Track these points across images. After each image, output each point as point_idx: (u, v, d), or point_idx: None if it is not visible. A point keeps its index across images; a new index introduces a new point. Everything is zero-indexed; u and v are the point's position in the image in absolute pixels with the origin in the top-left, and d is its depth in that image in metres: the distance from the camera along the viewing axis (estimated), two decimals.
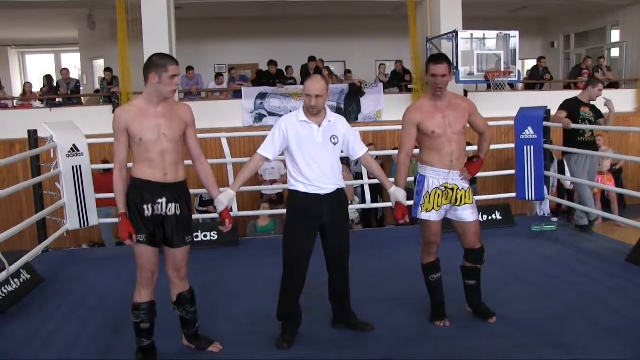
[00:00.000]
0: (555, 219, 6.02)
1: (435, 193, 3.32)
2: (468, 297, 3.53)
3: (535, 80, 12.08)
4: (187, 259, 3.10)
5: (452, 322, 3.40)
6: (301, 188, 3.18)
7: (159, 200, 2.90)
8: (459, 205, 3.35)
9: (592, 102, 5.72)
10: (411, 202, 3.44)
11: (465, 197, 3.36)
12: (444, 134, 3.28)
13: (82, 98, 11.28)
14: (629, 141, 11.06)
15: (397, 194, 3.33)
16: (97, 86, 13.17)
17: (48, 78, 11.40)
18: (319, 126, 3.18)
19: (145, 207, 2.89)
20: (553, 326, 3.34)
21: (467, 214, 3.37)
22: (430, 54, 10.41)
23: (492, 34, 9.89)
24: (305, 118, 3.19)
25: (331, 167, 3.20)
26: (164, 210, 2.93)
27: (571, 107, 5.69)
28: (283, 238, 3.28)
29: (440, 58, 3.30)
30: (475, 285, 3.50)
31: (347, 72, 11.54)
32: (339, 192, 3.25)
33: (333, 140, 3.20)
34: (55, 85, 11.20)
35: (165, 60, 2.88)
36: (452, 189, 3.34)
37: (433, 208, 3.32)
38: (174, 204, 2.94)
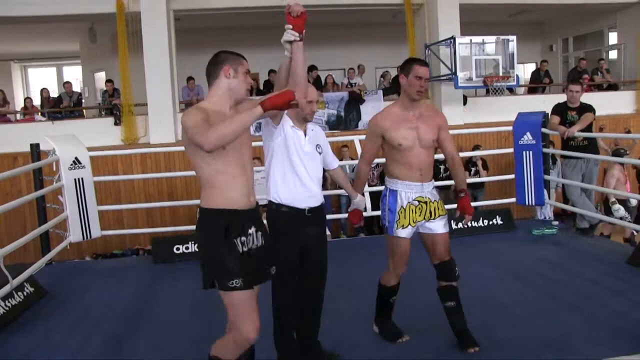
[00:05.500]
0: (556, 223, 6.02)
1: (410, 208, 3.12)
2: (451, 323, 3.20)
3: (536, 84, 12.12)
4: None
5: (444, 332, 3.30)
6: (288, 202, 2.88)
7: (250, 231, 2.46)
8: (432, 219, 3.18)
9: (574, 105, 5.72)
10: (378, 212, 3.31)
11: (438, 209, 3.19)
12: (413, 146, 3.09)
13: (84, 110, 11.36)
14: None
15: (361, 204, 3.23)
16: (99, 98, 13.25)
17: (45, 91, 11.42)
18: (305, 134, 2.92)
19: (237, 241, 2.41)
20: (555, 329, 3.35)
21: (440, 225, 3.19)
22: (428, 61, 10.48)
23: (490, 39, 9.95)
24: (293, 124, 2.89)
25: (318, 179, 2.96)
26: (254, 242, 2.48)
27: (560, 112, 5.72)
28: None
29: (423, 60, 3.21)
30: (455, 307, 3.18)
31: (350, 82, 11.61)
32: (323, 208, 3.02)
33: (318, 150, 2.98)
34: (56, 98, 11.29)
35: (237, 54, 2.47)
36: (426, 203, 3.15)
37: (409, 224, 3.12)
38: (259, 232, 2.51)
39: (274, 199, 2.89)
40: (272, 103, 2.33)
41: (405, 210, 3.12)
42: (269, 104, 2.32)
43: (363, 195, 3.30)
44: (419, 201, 3.14)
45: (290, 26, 2.47)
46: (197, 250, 2.74)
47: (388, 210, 3.17)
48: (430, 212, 3.17)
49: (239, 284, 2.33)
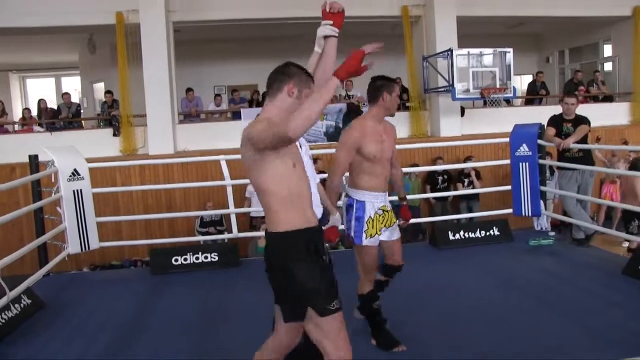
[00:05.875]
0: (552, 233, 6.06)
1: (376, 217, 3.25)
2: (379, 312, 3.40)
3: (532, 95, 12.22)
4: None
5: (440, 341, 3.34)
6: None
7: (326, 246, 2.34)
8: (390, 226, 3.35)
9: (570, 117, 5.79)
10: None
11: (393, 217, 3.38)
12: (382, 157, 3.25)
13: (83, 121, 11.39)
14: None
15: (339, 220, 3.22)
16: (98, 109, 13.29)
17: (42, 102, 11.44)
18: (300, 145, 2.85)
19: (324, 259, 2.28)
20: (552, 339, 3.37)
21: (396, 232, 3.40)
22: (426, 72, 10.57)
23: (487, 50, 10.03)
24: None
25: (315, 194, 2.84)
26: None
27: (556, 123, 5.80)
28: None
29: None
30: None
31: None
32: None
33: (311, 161, 3.00)
34: (55, 109, 11.32)
35: (308, 74, 2.32)
36: (387, 211, 3.32)
37: (376, 233, 3.25)
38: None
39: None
40: (348, 70, 2.10)
41: (372, 220, 3.25)
42: (345, 72, 2.10)
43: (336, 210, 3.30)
44: (382, 210, 3.30)
45: (330, 22, 2.45)
46: (273, 276, 2.23)
47: (355, 221, 3.26)
48: (390, 220, 3.35)
49: (338, 305, 2.20)
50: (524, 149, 5.74)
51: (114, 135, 9.95)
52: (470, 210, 8.68)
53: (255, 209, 8.08)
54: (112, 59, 11.37)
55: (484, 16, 11.15)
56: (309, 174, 2.82)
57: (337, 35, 2.48)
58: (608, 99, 12.42)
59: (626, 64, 12.39)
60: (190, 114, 10.90)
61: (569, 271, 4.84)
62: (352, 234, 3.27)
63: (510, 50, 9.85)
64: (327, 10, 2.44)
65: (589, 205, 6.10)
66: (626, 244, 6.69)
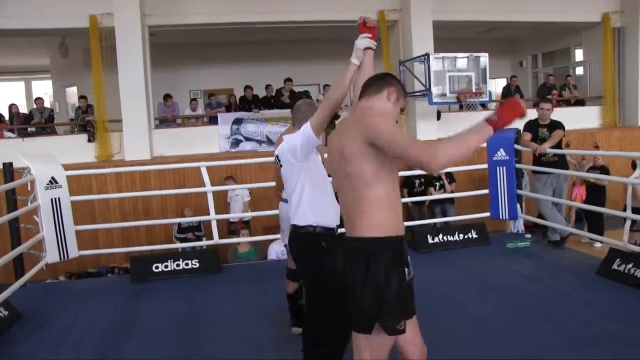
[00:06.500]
0: (528, 236, 6.18)
1: None
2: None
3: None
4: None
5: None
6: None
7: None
8: None
9: (545, 122, 5.94)
10: None
11: None
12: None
13: (56, 127, 11.17)
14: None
15: None
16: (70, 114, 13.06)
17: (14, 107, 11.13)
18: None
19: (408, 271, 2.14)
20: (531, 340, 3.45)
21: None
22: (402, 77, 10.66)
23: (462, 55, 10.18)
24: None
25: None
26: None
27: (531, 129, 5.94)
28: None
29: None
30: None
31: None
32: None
33: None
34: (27, 114, 11.08)
35: (405, 93, 2.35)
36: None
37: None
38: None
39: (316, 222, 2.86)
40: (505, 121, 1.94)
41: None
42: (502, 122, 1.93)
43: None
44: None
45: (369, 35, 2.60)
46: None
47: None
48: None
49: (403, 327, 2.03)
50: (501, 154, 5.84)
51: (89, 141, 9.79)
52: (445, 214, 8.77)
53: (236, 215, 8.09)
54: (85, 63, 11.20)
55: (459, 20, 11.30)
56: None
57: (375, 47, 2.63)
58: (580, 102, 12.72)
59: (596, 69, 12.71)
60: (166, 119, 10.80)
61: (546, 273, 4.96)
62: None
63: (486, 55, 10.01)
64: (365, 24, 2.60)
65: (563, 208, 6.25)
66: (598, 244, 6.84)
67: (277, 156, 2.96)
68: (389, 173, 2.06)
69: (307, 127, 2.68)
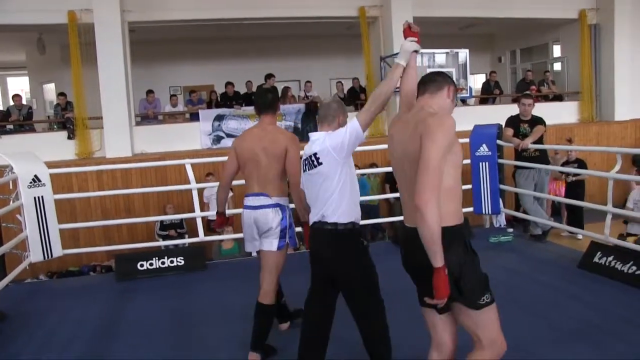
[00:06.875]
0: (511, 230, 6.28)
1: None
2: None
3: (487, 94, 12.59)
4: None
5: (406, 339, 3.38)
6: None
7: None
8: None
9: (526, 118, 6.05)
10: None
11: None
12: None
13: (35, 124, 10.98)
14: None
15: None
16: (49, 111, 12.86)
17: None
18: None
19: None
20: (518, 333, 3.49)
21: None
22: (383, 73, 10.72)
23: (442, 51, 10.25)
24: None
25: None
26: None
27: (513, 124, 6.04)
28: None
29: None
30: None
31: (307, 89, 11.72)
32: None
33: None
34: (4, 111, 10.87)
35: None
36: None
37: None
38: None
39: (356, 219, 2.89)
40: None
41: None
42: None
43: None
44: None
45: (415, 39, 2.72)
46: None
47: (289, 227, 3.43)
48: None
49: (490, 298, 2.34)
50: (484, 149, 5.91)
51: (69, 138, 9.66)
52: None
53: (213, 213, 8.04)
54: (63, 59, 11.03)
55: (439, 17, 11.40)
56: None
57: (420, 50, 2.77)
58: (558, 98, 12.94)
59: (573, 65, 12.95)
60: (147, 115, 10.70)
61: (529, 267, 5.04)
62: (287, 240, 3.43)
63: (466, 51, 10.12)
64: (410, 28, 2.75)
65: (545, 202, 6.36)
66: (580, 237, 6.97)
67: (316, 154, 2.84)
68: (453, 166, 2.18)
69: (355, 124, 2.71)
